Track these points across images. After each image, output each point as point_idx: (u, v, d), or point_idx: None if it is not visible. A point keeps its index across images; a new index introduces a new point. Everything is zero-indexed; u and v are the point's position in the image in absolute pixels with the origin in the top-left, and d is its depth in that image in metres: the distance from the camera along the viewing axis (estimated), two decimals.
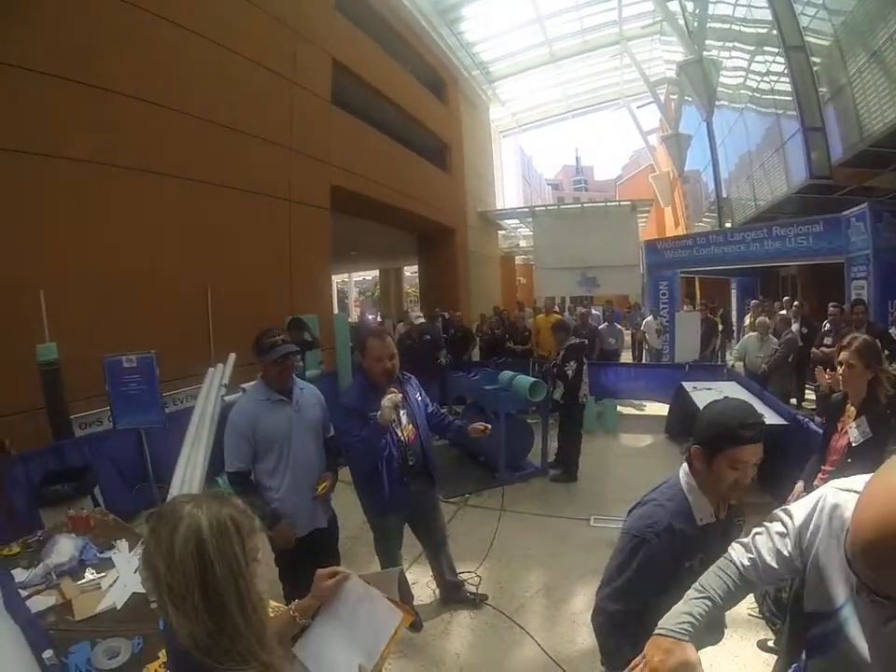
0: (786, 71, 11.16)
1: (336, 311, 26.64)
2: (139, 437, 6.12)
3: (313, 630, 1.75)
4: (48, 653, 2.18)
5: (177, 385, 7.63)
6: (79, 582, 2.93)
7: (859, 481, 1.28)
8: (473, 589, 4.44)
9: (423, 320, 8.79)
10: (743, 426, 1.74)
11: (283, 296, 10.71)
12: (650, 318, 12.66)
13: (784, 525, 1.49)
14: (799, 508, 1.49)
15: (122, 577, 2.98)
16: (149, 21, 7.99)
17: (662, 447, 8.40)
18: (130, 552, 3.24)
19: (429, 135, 19.13)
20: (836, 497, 1.37)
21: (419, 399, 3.86)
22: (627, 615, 1.87)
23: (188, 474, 5.67)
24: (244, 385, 7.44)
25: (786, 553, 1.47)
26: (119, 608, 2.74)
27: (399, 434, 3.60)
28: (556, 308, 13.61)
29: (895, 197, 10.52)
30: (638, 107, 28.40)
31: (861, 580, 1.07)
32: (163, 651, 2.16)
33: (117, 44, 7.51)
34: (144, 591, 2.77)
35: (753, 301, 13.04)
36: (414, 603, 4.21)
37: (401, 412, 3.59)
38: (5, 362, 5.87)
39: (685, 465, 1.98)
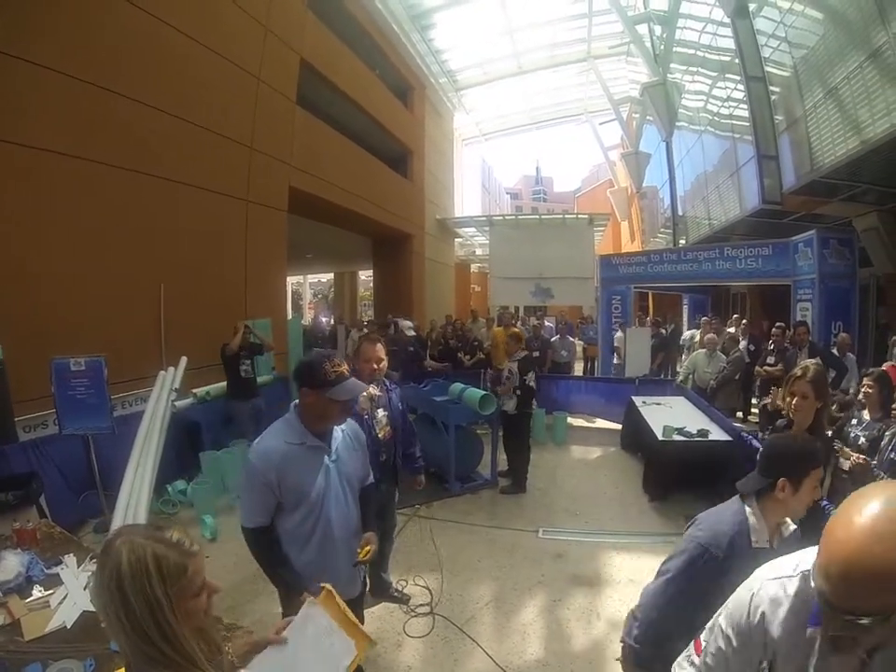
0: (745, 99, 11.45)
1: (290, 313, 26.41)
2: (86, 442, 5.91)
3: (268, 655, 1.74)
4: None
5: (127, 388, 7.42)
6: (27, 600, 2.86)
7: (785, 565, 1.39)
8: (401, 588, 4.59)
9: (414, 333, 8.83)
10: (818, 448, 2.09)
11: (237, 298, 10.51)
12: (620, 334, 12.75)
13: (722, 647, 1.49)
14: (728, 629, 1.50)
15: (71, 594, 2.92)
16: (112, 5, 7.66)
17: (611, 459, 8.55)
18: (78, 567, 3.19)
19: (392, 141, 19.08)
20: (770, 589, 1.41)
21: (401, 407, 4.29)
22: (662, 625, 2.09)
23: (136, 482, 5.57)
24: (195, 390, 7.38)
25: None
26: (69, 626, 2.68)
27: (376, 430, 3.98)
28: (514, 321, 13.62)
29: (842, 225, 10.84)
30: (601, 123, 28.78)
31: (830, 606, 1.04)
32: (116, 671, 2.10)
33: (72, 28, 7.11)
34: (94, 609, 2.70)
35: (703, 319, 13.40)
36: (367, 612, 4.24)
37: (380, 410, 4.03)
38: None
39: (743, 495, 2.20)
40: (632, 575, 4.94)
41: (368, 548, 2.74)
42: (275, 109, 11.63)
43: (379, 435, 4.00)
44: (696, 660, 1.59)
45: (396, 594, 4.54)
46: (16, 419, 6.07)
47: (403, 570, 5.00)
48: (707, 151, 16.47)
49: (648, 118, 19.49)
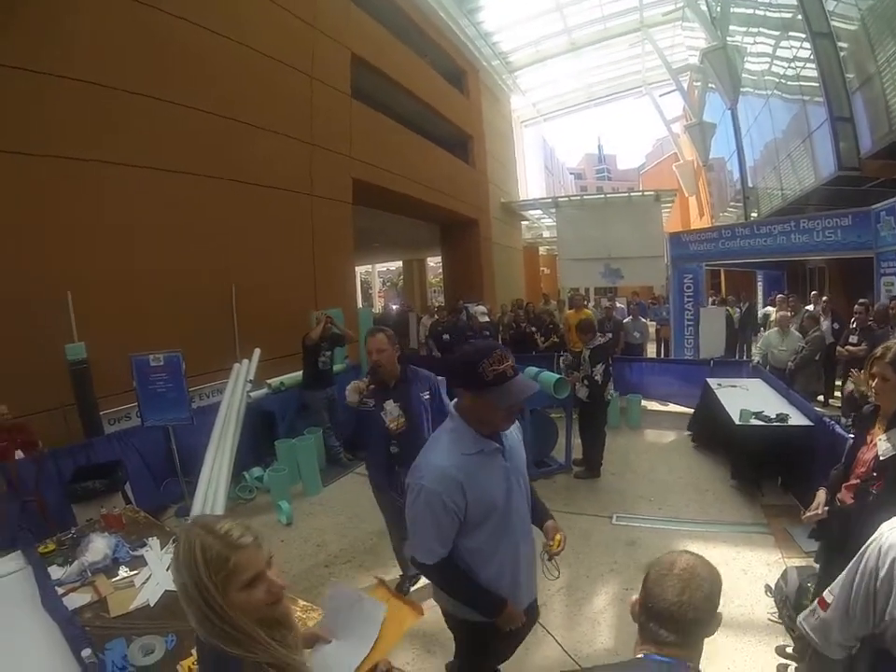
0: (812, 57, 10.95)
1: (360, 302, 26.64)
2: (167, 432, 6.22)
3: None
4: (86, 652, 2.23)
5: (204, 380, 7.79)
6: (113, 580, 3.00)
7: None
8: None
9: (487, 319, 8.71)
10: None
11: (307, 290, 10.78)
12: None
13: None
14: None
15: (155, 574, 3.05)
16: (167, 21, 8.08)
17: (686, 444, 8.25)
18: (161, 549, 3.32)
19: (451, 127, 19.05)
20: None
21: (426, 397, 3.93)
22: None
23: (215, 469, 5.77)
24: (269, 381, 7.55)
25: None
26: (152, 605, 2.80)
27: (387, 423, 3.83)
28: (586, 303, 13.41)
29: None
30: (661, 95, 27.82)
31: None
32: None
33: (135, 46, 7.62)
34: (175, 589, 2.82)
35: (779, 296, 12.87)
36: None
37: (390, 402, 3.86)
38: (35, 362, 6.09)
39: None
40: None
41: (558, 537, 2.44)
42: (331, 104, 11.84)
43: (390, 426, 3.81)
44: (822, 614, 1.63)
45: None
46: (101, 413, 6.51)
47: None
48: (776, 117, 15.74)
49: (710, 85, 18.95)
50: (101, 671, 2.22)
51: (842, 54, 10.19)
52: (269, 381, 7.54)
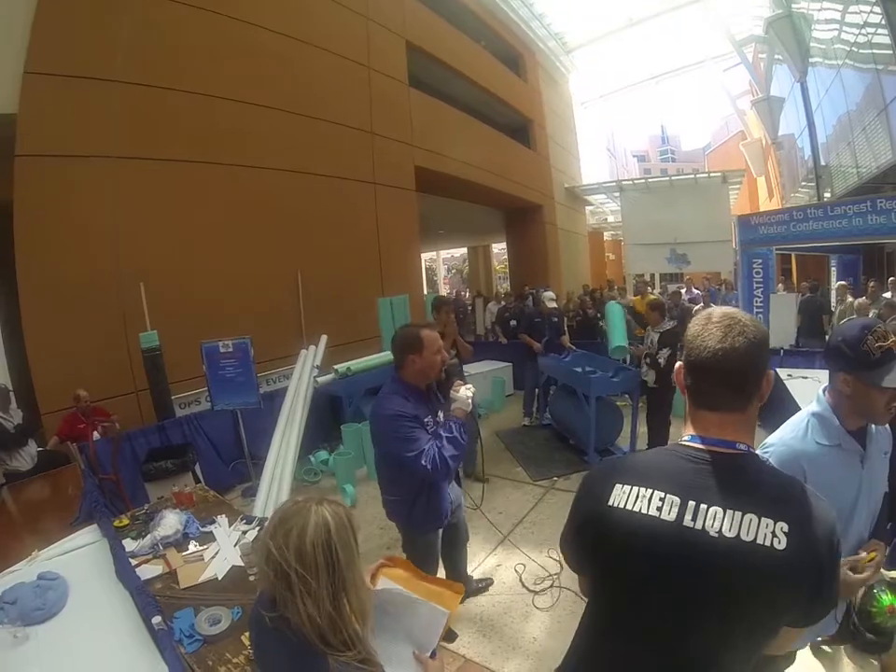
0: (883, 23, 10.38)
1: (426, 289, 26.75)
2: (235, 416, 6.48)
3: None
4: (156, 619, 2.32)
5: (272, 366, 8.06)
6: (183, 554, 3.14)
7: None
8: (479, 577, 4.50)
9: (555, 305, 8.62)
10: None
11: (373, 277, 10.96)
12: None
13: None
14: None
15: (223, 550, 3.17)
16: (226, 23, 8.43)
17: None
18: (230, 526, 3.45)
19: (510, 111, 18.92)
20: None
21: None
22: None
23: (281, 451, 5.92)
24: (336, 367, 7.66)
25: None
26: (220, 578, 2.92)
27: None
28: (650, 289, 13.22)
29: None
30: (725, 70, 26.76)
31: None
32: None
33: (199, 49, 8.01)
34: (243, 564, 2.96)
35: (839, 283, 12.36)
36: (495, 585, 4.40)
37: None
38: (112, 349, 6.60)
39: None
40: None
41: (874, 554, 1.91)
42: (390, 94, 11.95)
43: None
44: None
45: (479, 584, 4.37)
46: (172, 397, 6.78)
47: (536, 544, 5.00)
48: (849, 89, 14.81)
49: (777, 57, 18.20)
50: (170, 638, 2.30)
51: None
52: (336, 366, 7.64)
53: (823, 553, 1.19)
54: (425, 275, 34.56)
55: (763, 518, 1.19)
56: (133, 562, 3.01)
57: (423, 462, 2.81)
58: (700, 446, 1.30)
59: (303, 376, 7.03)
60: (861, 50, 12.85)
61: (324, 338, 7.89)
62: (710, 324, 1.31)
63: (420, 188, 12.69)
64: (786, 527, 1.18)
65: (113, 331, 6.65)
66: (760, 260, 12.20)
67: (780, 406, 7.02)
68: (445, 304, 5.84)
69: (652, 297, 10.30)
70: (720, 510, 1.23)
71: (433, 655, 1.81)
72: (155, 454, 5.66)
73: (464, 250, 37.20)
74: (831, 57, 15.42)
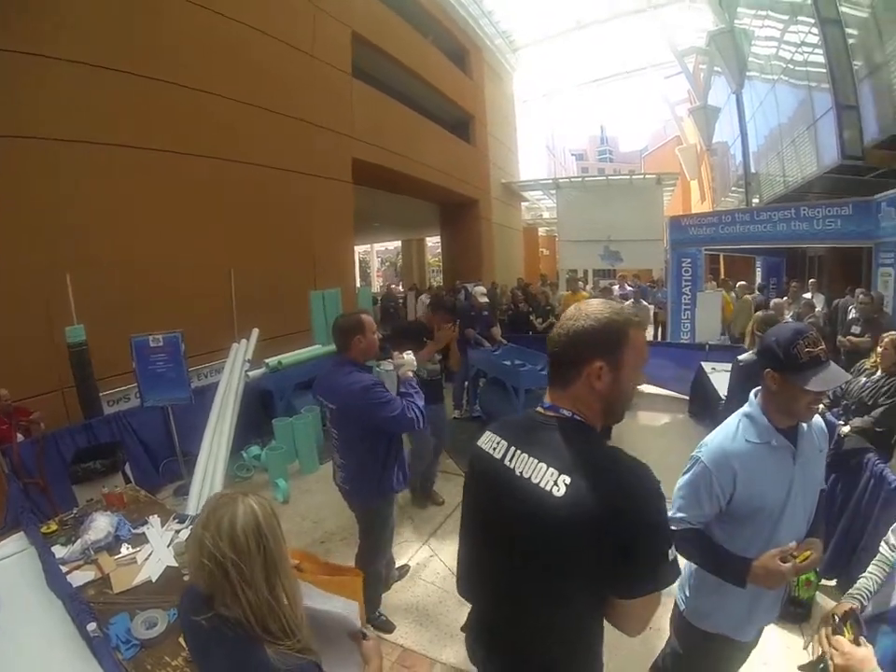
0: (820, 44, 10.87)
1: (358, 282, 26.62)
2: (166, 413, 6.30)
3: None
4: (91, 626, 2.29)
5: (203, 360, 7.87)
6: (116, 557, 3.07)
7: None
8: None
9: (486, 299, 8.72)
10: None
11: (306, 270, 10.78)
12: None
13: None
14: None
15: (156, 551, 3.12)
16: (165, 1, 8.13)
17: (679, 426, 8.39)
18: (162, 527, 3.39)
19: (452, 106, 18.97)
20: None
21: None
22: None
23: (213, 448, 5.82)
24: (267, 361, 7.57)
25: None
26: (154, 580, 2.88)
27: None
28: (581, 285, 13.53)
29: None
30: (666, 77, 27.83)
31: None
32: None
33: (137, 29, 7.64)
34: (177, 564, 2.93)
35: (794, 284, 12.81)
36: (429, 575, 4.50)
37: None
38: (35, 344, 6.28)
39: None
40: None
41: (808, 553, 2.04)
42: (332, 84, 11.77)
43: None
44: None
45: (398, 571, 4.45)
46: (100, 394, 6.55)
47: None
48: (781, 103, 15.63)
49: (716, 68, 18.95)
50: (106, 645, 2.27)
51: (850, 41, 10.11)
52: (267, 360, 7.55)
53: (614, 515, 1.29)
54: (358, 268, 34.39)
55: (550, 467, 1.39)
56: (64, 569, 2.92)
57: (408, 415, 3.24)
58: (540, 409, 1.55)
59: (235, 370, 6.89)
60: (796, 68, 13.46)
61: (255, 331, 7.74)
62: (564, 314, 1.54)
63: (357, 180, 12.54)
64: (567, 480, 1.34)
65: (36, 325, 6.32)
66: (689, 260, 12.72)
67: (705, 396, 7.73)
68: (442, 308, 5.67)
69: (581, 296, 10.53)
70: (526, 455, 1.47)
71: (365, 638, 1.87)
72: (82, 454, 5.43)
73: (398, 243, 37.21)
74: (767, 72, 16.14)
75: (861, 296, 8.56)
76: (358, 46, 12.73)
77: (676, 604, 2.46)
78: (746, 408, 2.21)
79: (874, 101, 9.73)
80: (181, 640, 2.34)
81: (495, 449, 1.56)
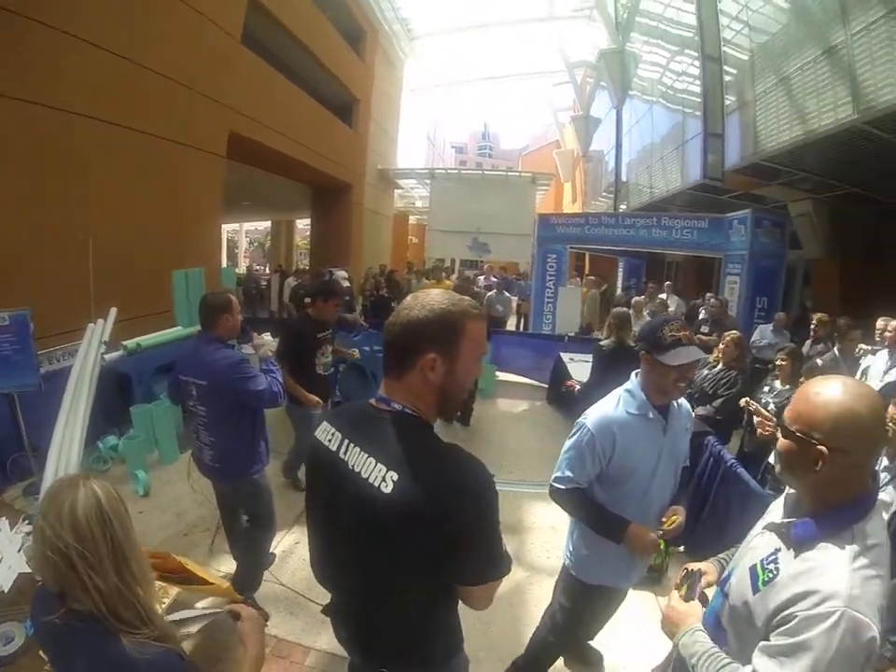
0: (699, 76, 11.67)
1: (225, 262, 25.82)
2: (12, 401, 5.57)
3: None
4: None
5: (54, 342, 6.95)
6: None
7: None
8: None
9: (347, 284, 8.65)
10: None
11: (171, 247, 9.95)
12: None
13: None
14: None
15: (6, 557, 2.89)
16: None
17: (538, 413, 8.78)
18: (11, 530, 3.12)
19: (340, 88, 18.64)
20: None
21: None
22: None
23: (65, 440, 5.37)
24: (125, 343, 7.09)
25: None
26: (6, 591, 2.69)
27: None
28: (444, 275, 13.86)
29: (778, 207, 11.39)
30: (555, 85, 29.11)
31: None
32: None
33: None
34: (30, 570, 2.65)
35: (651, 285, 13.55)
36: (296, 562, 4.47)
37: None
38: None
39: None
40: (553, 523, 5.06)
41: (675, 518, 2.54)
42: (219, 48, 11.07)
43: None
44: None
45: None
46: None
47: None
48: (657, 123, 16.78)
49: (602, 83, 19.86)
50: None
51: (727, 78, 10.94)
52: (125, 342, 7.08)
53: (440, 513, 1.33)
54: (226, 248, 33.32)
55: (379, 463, 1.40)
56: None
57: (274, 390, 3.44)
58: (373, 401, 1.54)
59: (90, 354, 6.32)
60: (674, 94, 14.55)
61: (113, 311, 7.03)
62: (401, 303, 1.53)
63: (231, 154, 11.93)
64: (395, 476, 1.36)
65: None
66: (554, 256, 13.51)
67: (562, 383, 7.88)
68: (334, 297, 5.45)
69: (444, 285, 10.72)
70: (358, 449, 1.47)
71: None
72: None
73: (268, 224, 36.66)
74: (648, 93, 17.28)
75: (710, 300, 9.63)
76: (253, 10, 12.10)
77: (564, 564, 2.86)
78: (627, 385, 2.62)
79: (738, 133, 10.60)
80: (42, 653, 2.14)
81: (330, 441, 1.56)
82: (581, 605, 2.84)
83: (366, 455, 1.44)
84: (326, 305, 5.34)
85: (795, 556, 1.48)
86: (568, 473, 2.56)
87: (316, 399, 5.06)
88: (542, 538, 5.00)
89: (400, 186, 27.60)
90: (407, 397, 1.48)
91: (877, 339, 6.22)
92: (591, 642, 3.41)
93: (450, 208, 20.28)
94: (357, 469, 1.43)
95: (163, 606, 2.08)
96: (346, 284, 8.58)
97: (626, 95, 18.17)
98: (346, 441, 1.51)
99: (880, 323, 6.19)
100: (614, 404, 2.58)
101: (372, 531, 1.41)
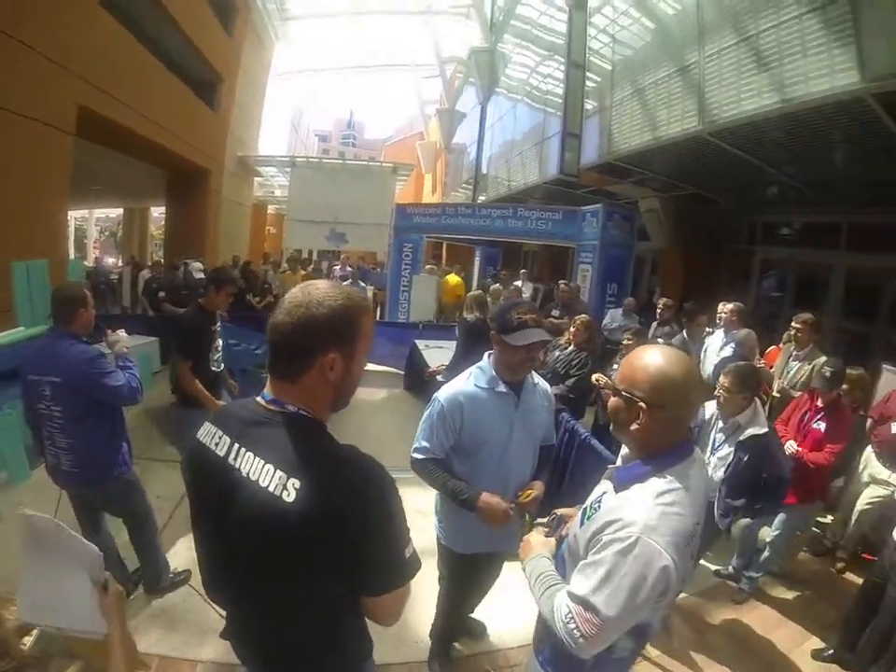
0: (563, 80, 12.71)
1: (72, 253, 24.27)
2: None
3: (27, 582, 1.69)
4: None
5: None
6: None
7: None
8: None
9: (202, 276, 8.30)
10: None
11: (8, 235, 8.59)
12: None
13: None
14: None
15: None
16: None
17: (397, 401, 9.00)
18: None
19: (204, 64, 17.44)
20: None
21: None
22: None
23: None
24: None
25: None
26: None
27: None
28: (301, 266, 13.72)
29: (629, 203, 12.35)
30: (425, 77, 29.80)
31: None
32: None
33: None
34: None
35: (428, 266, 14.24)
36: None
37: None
38: None
39: None
40: (418, 506, 5.03)
41: (531, 491, 2.74)
42: (72, 6, 9.90)
43: None
44: None
45: (178, 577, 4.09)
46: None
47: None
48: (519, 120, 17.52)
49: (470, 80, 20.42)
50: None
51: (589, 84, 11.72)
52: None
53: (346, 519, 1.29)
54: (73, 237, 31.28)
55: (278, 469, 1.32)
56: None
57: (133, 385, 3.38)
58: (262, 402, 1.45)
59: None
60: (539, 94, 15.36)
61: None
62: (286, 298, 1.42)
63: (80, 132, 10.69)
64: (297, 484, 1.29)
65: None
66: (411, 245, 13.87)
67: (419, 371, 8.42)
68: (230, 284, 5.11)
69: (300, 275, 10.74)
70: (252, 455, 1.38)
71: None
72: None
73: (120, 211, 34.39)
74: (514, 92, 18.08)
75: (561, 285, 10.46)
76: None
77: (436, 536, 3.05)
78: (479, 363, 2.81)
79: (595, 134, 11.31)
80: None
81: (217, 445, 1.46)
82: (457, 573, 3.04)
83: (262, 462, 1.35)
84: (219, 295, 4.96)
85: (615, 495, 1.72)
86: (424, 443, 2.74)
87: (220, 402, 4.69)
88: (411, 520, 4.97)
89: (261, 174, 26.77)
90: (303, 398, 1.42)
91: (717, 321, 6.88)
92: (473, 615, 3.62)
93: (309, 197, 19.87)
94: (252, 477, 1.34)
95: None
96: (201, 275, 8.23)
97: (493, 92, 18.87)
98: (237, 446, 1.42)
99: (720, 307, 6.88)
100: (465, 379, 2.78)
101: (274, 541, 1.32)
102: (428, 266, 14.03)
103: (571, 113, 12.21)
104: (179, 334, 5.03)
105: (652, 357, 1.68)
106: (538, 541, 2.07)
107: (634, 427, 1.67)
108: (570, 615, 1.63)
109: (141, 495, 3.74)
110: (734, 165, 8.53)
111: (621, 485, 1.71)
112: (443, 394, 2.73)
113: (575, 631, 1.61)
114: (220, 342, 5.18)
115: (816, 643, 4.18)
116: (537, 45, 15.65)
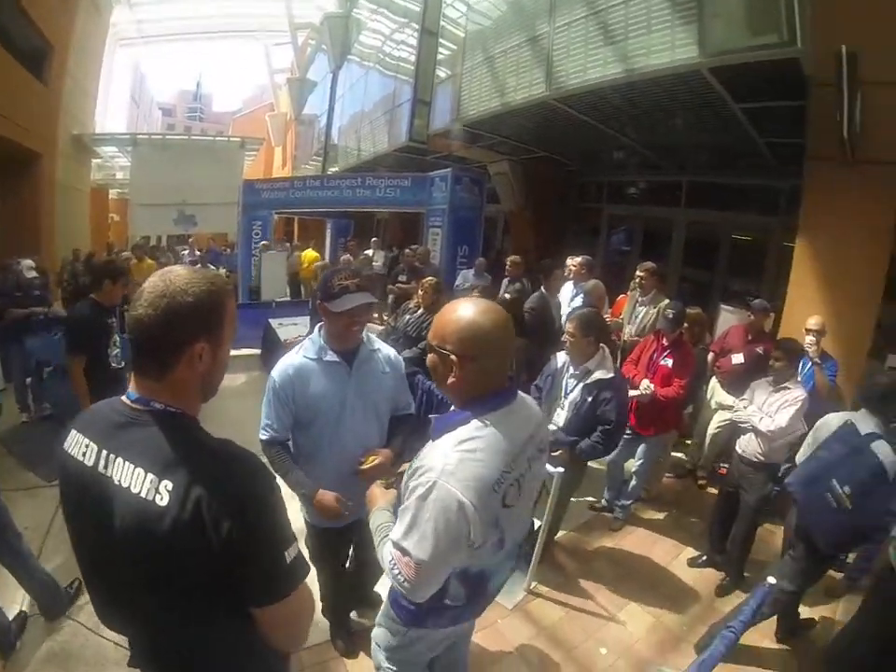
0: (416, 47, 13.00)
1: None
2: None
3: None
4: None
5: None
6: None
7: None
8: None
9: (35, 274, 7.79)
10: None
11: None
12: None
13: None
14: None
15: None
16: None
17: (256, 382, 8.49)
18: None
19: (31, 30, 14.99)
20: None
21: None
22: None
23: None
24: None
25: None
26: None
27: None
28: (147, 255, 13.29)
29: (480, 167, 12.59)
30: (275, 44, 28.65)
31: None
32: None
33: None
34: None
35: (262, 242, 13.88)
36: None
37: None
38: None
39: None
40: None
41: (373, 458, 2.71)
42: None
43: None
44: None
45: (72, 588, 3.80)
46: None
47: None
48: (370, 88, 17.51)
49: (322, 46, 19.83)
50: None
51: (442, 52, 11.98)
52: None
53: (223, 521, 1.22)
54: None
55: (148, 472, 1.25)
56: None
57: None
58: (128, 402, 1.36)
59: None
60: (392, 62, 15.51)
61: None
62: (145, 288, 1.32)
63: None
64: (170, 486, 1.23)
65: None
66: (260, 222, 13.81)
67: (274, 350, 8.15)
68: (123, 276, 4.86)
69: (147, 264, 10.65)
70: (122, 460, 1.29)
71: None
72: None
73: None
74: (366, 59, 18.03)
75: (407, 250, 11.09)
76: None
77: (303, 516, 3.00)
78: (311, 335, 2.83)
79: (443, 102, 11.73)
80: None
81: (85, 454, 1.34)
82: (321, 548, 3.03)
83: (132, 466, 1.27)
84: (115, 287, 4.75)
85: (430, 444, 1.76)
86: (267, 421, 2.74)
87: None
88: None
89: (99, 155, 23.45)
90: (170, 393, 1.35)
91: (567, 273, 7.23)
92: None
93: (154, 179, 18.88)
94: (125, 485, 1.26)
95: None
96: (33, 274, 7.73)
97: (345, 60, 18.62)
98: (105, 453, 1.32)
99: (568, 261, 7.33)
100: (295, 352, 2.79)
101: (149, 553, 1.24)
102: (264, 242, 13.78)
103: (422, 80, 12.45)
104: (68, 330, 4.80)
105: (460, 311, 1.74)
106: (378, 493, 2.15)
107: (451, 380, 1.74)
108: (393, 561, 1.72)
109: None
110: (581, 130, 9.02)
111: (436, 434, 1.75)
112: (276, 370, 2.74)
113: (399, 576, 1.70)
114: (117, 337, 4.89)
115: (690, 553, 4.82)
116: (392, 11, 15.59)
